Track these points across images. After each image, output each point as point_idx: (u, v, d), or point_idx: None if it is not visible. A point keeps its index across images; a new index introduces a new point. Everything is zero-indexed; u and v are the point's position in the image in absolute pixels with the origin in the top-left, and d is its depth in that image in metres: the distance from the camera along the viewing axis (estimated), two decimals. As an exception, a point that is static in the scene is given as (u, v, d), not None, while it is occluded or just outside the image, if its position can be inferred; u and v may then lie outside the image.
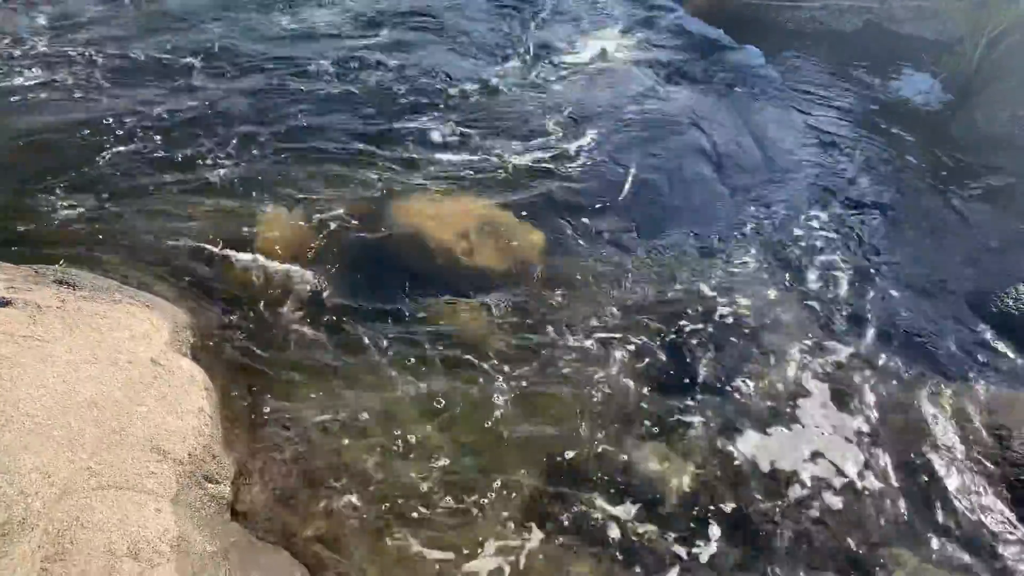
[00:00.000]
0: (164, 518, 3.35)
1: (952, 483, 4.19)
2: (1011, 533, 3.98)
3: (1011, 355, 4.99)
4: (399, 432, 4.20)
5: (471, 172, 6.30)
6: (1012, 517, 4.05)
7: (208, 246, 5.21)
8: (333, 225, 5.54)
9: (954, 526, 4.00)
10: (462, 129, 6.83)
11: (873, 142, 7.15)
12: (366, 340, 4.71)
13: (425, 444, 4.16)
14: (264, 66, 7.44)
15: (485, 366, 4.62)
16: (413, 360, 4.62)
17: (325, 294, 5.00)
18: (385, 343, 4.71)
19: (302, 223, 5.55)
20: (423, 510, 3.86)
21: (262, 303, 4.87)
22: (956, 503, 4.10)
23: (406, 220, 5.72)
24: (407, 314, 4.91)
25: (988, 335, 5.13)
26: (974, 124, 7.17)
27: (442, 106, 7.13)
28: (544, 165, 6.45)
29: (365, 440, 4.14)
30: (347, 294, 5.01)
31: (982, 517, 4.05)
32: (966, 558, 3.86)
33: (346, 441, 4.12)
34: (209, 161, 6.05)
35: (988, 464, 4.30)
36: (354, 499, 3.86)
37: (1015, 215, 6.14)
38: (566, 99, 7.43)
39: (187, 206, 5.56)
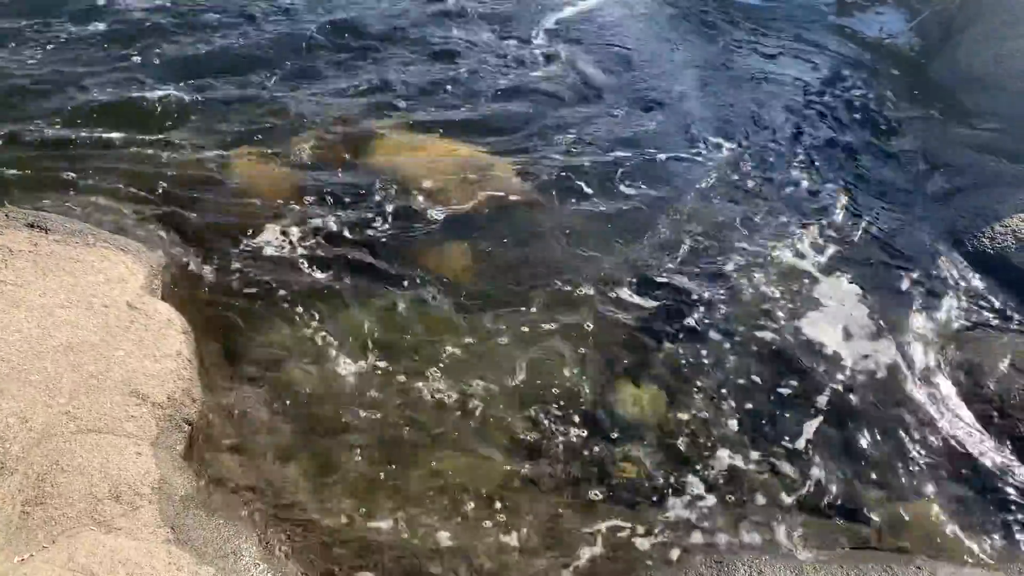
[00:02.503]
0: (144, 461, 3.35)
1: (922, 413, 4.27)
2: (982, 463, 4.08)
3: (984, 293, 5.04)
4: (373, 368, 4.20)
5: (451, 111, 6.23)
6: (984, 448, 4.15)
7: (181, 190, 5.13)
8: (309, 163, 5.48)
9: (921, 455, 4.09)
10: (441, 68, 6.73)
11: (850, 82, 7.11)
12: (345, 280, 4.69)
13: (403, 381, 4.17)
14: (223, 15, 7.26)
15: (467, 304, 4.62)
16: (391, 300, 4.60)
17: (301, 233, 4.95)
18: (362, 281, 4.68)
19: (278, 164, 5.48)
20: (401, 443, 3.89)
21: (239, 245, 4.81)
22: (926, 435, 4.18)
23: (387, 158, 5.66)
24: (386, 254, 4.88)
25: (964, 273, 5.17)
26: (956, 64, 7.14)
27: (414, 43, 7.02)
28: (527, 109, 6.39)
29: (341, 378, 4.15)
30: (324, 233, 4.97)
31: (954, 446, 4.14)
32: (930, 487, 3.96)
33: (323, 380, 4.12)
34: (177, 104, 5.92)
35: (959, 398, 4.38)
36: (330, 441, 3.88)
37: (994, 155, 6.15)
38: (553, 41, 7.32)
39: (159, 148, 5.47)
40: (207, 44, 6.65)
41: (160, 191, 5.09)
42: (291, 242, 4.88)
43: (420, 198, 5.30)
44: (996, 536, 3.79)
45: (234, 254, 4.75)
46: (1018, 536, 3.79)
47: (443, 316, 4.56)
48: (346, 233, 4.99)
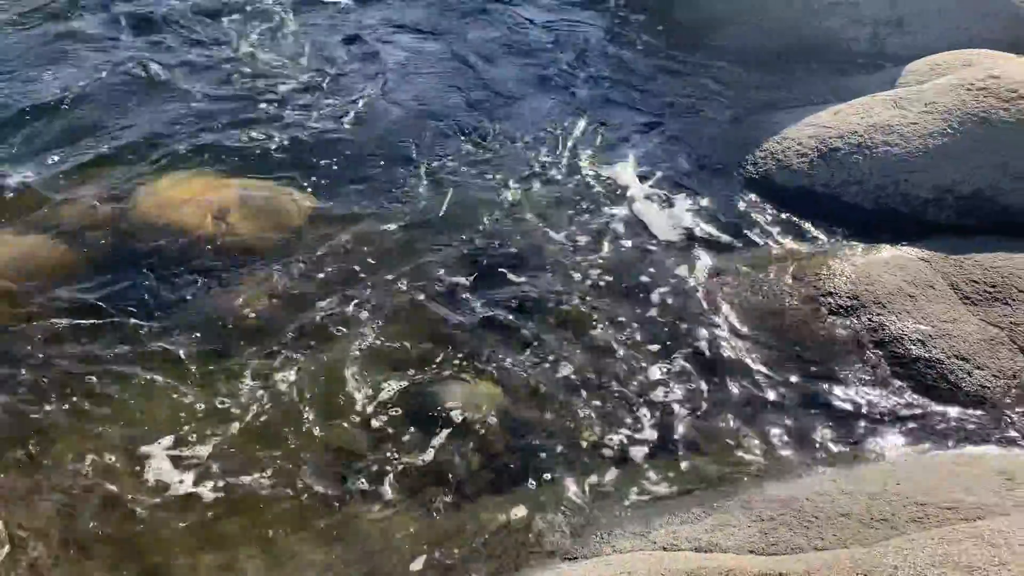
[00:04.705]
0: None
1: (721, 337, 4.54)
2: (776, 376, 4.38)
3: (756, 215, 5.40)
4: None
5: (224, 143, 5.96)
6: (774, 360, 4.45)
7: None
8: (68, 232, 5.09)
9: (728, 381, 4.35)
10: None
11: (601, 33, 7.39)
12: (123, 349, 4.40)
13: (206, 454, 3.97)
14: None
15: (272, 347, 4.46)
16: (193, 363, 4.36)
17: (66, 317, 4.58)
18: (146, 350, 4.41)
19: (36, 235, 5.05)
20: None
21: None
22: (725, 357, 4.45)
23: (155, 209, 5.33)
24: (166, 311, 4.62)
25: (738, 201, 5.52)
26: (692, 6, 7.55)
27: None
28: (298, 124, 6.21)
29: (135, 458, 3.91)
30: (96, 310, 4.63)
31: (749, 364, 4.43)
32: (746, 412, 4.22)
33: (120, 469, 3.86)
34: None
35: (750, 317, 4.69)
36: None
37: (742, 87, 6.59)
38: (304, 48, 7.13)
39: None
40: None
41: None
42: (55, 328, 4.52)
43: (198, 245, 5.05)
44: (821, 439, 4.09)
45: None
46: (831, 435, 4.11)
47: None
48: (120, 298, 4.69)
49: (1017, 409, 4.14)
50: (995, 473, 3.65)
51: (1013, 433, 4.04)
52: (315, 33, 7.39)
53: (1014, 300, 4.57)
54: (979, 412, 4.14)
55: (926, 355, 4.34)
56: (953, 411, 4.16)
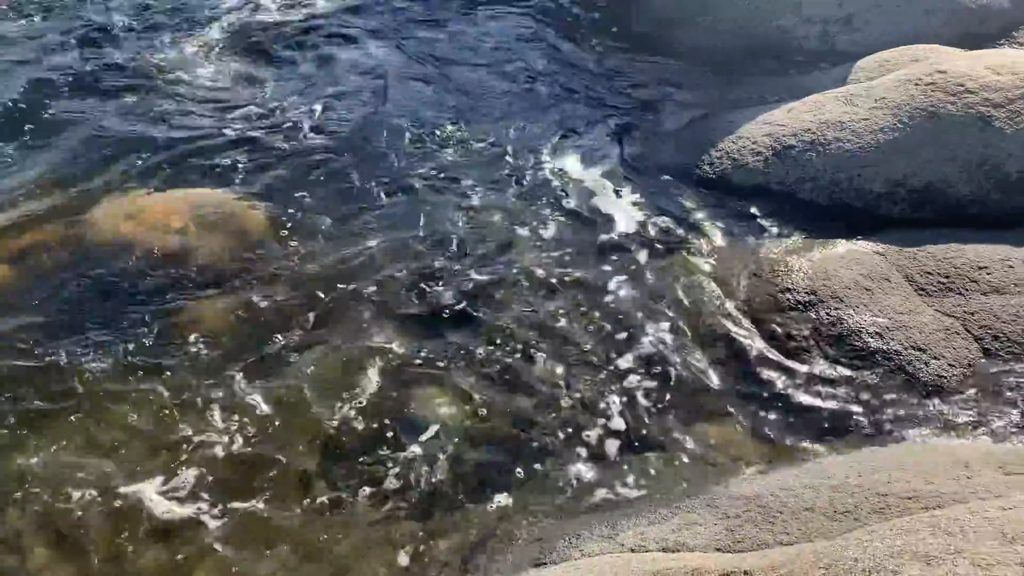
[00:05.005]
0: None
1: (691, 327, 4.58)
2: (750, 369, 4.43)
3: (714, 214, 5.46)
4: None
5: (182, 157, 5.89)
6: (749, 353, 4.50)
7: None
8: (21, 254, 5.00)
9: (697, 374, 4.39)
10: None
11: (560, 35, 7.41)
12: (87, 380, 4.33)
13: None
14: None
15: (236, 366, 4.41)
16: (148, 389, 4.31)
17: (16, 343, 4.50)
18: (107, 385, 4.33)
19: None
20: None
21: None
22: (694, 352, 4.49)
23: (111, 227, 5.25)
24: (124, 334, 4.55)
25: (696, 200, 5.57)
26: (646, 8, 7.60)
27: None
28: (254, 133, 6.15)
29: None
30: (49, 335, 4.54)
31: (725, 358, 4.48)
32: (721, 404, 4.26)
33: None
34: None
35: (720, 310, 4.74)
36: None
37: (693, 89, 6.65)
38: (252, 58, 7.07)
39: None
40: None
41: None
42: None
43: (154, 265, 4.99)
44: (783, 434, 4.14)
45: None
46: (793, 431, 4.16)
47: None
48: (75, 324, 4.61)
49: (973, 397, 4.22)
50: (953, 461, 3.71)
51: (970, 421, 4.12)
52: (274, 46, 7.32)
53: (967, 290, 4.66)
54: (937, 401, 4.21)
55: (884, 347, 4.41)
56: (912, 401, 4.23)
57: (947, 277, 4.73)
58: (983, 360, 4.38)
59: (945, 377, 4.30)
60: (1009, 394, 4.22)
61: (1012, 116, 5.18)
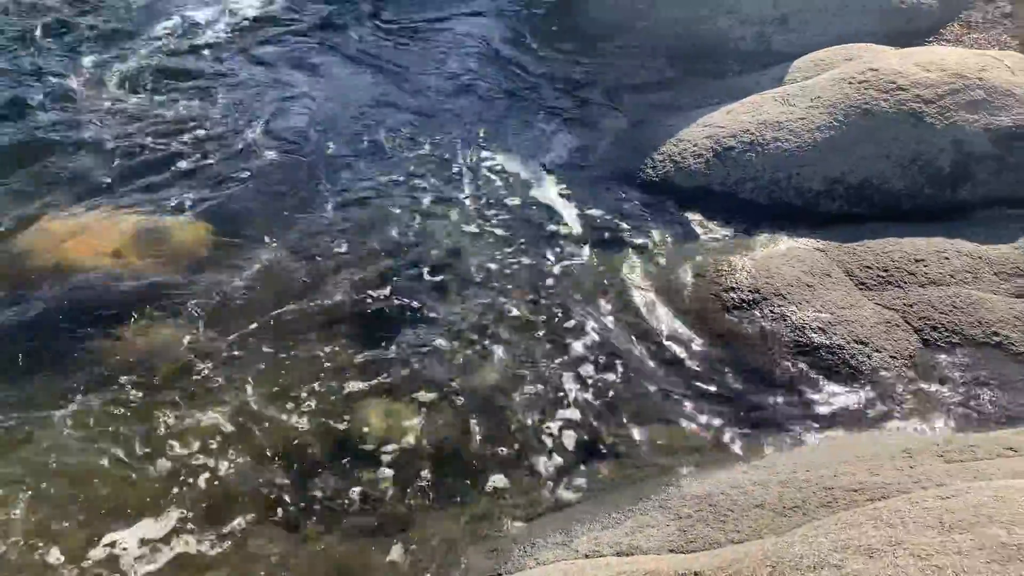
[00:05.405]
0: None
1: (637, 332, 4.62)
2: (694, 369, 4.47)
3: (658, 216, 5.51)
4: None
5: (118, 176, 5.76)
6: (695, 355, 4.55)
7: None
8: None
9: (647, 379, 4.42)
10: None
11: (504, 40, 7.43)
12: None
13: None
14: None
15: (180, 389, 4.33)
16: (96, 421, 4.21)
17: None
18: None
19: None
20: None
21: None
22: (636, 358, 4.52)
23: (46, 249, 5.11)
24: (60, 359, 4.44)
25: (640, 203, 5.62)
26: (586, 12, 7.66)
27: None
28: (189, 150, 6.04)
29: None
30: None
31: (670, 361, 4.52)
32: (668, 407, 4.29)
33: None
34: None
35: (668, 313, 4.78)
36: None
37: (636, 93, 6.71)
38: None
39: None
40: None
41: None
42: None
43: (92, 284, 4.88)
44: (732, 432, 4.18)
45: None
46: (741, 428, 4.21)
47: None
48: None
49: (915, 387, 4.32)
50: (898, 451, 3.79)
51: (912, 411, 4.21)
52: (211, 61, 7.22)
53: (905, 283, 4.77)
54: (880, 393, 4.30)
55: (827, 342, 4.49)
56: (856, 394, 4.31)
57: (886, 271, 4.83)
58: (923, 350, 4.48)
59: (887, 369, 4.39)
60: (948, 383, 4.32)
61: (942, 112, 5.32)
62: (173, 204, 5.53)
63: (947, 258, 4.84)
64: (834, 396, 4.30)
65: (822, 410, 4.25)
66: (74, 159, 5.93)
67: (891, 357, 4.43)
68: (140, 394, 4.28)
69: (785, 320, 4.59)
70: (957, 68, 5.48)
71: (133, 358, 4.46)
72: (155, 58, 7.14)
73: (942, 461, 3.59)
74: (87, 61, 7.05)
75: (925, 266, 4.81)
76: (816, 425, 4.19)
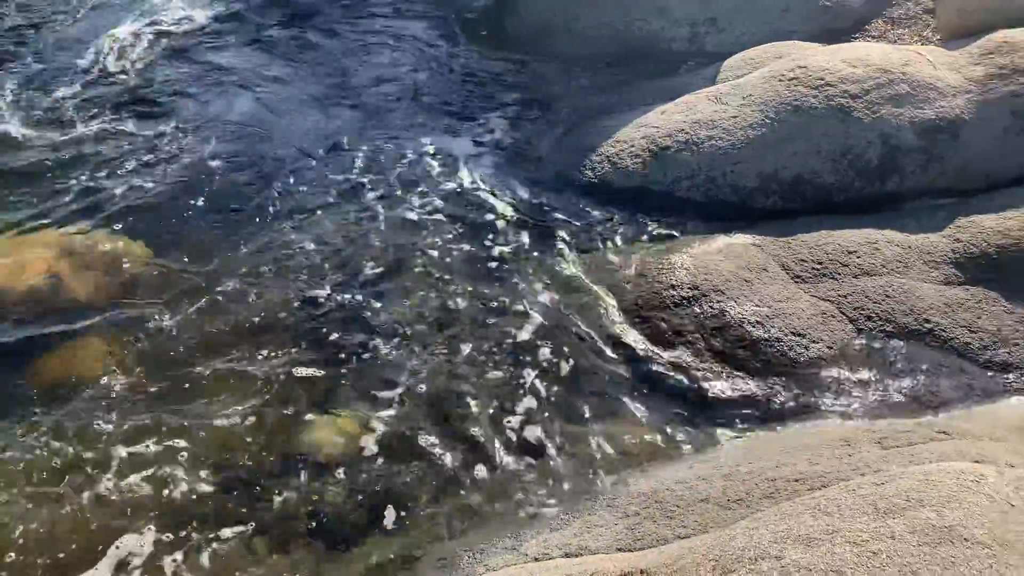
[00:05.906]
0: None
1: (585, 337, 4.64)
2: (644, 366, 4.51)
3: (598, 217, 5.54)
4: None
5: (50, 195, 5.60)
6: (643, 352, 4.59)
7: None
8: None
9: (600, 377, 4.45)
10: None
11: (444, 46, 7.42)
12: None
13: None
14: None
15: (119, 412, 4.22)
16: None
17: None
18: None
19: None
20: None
21: None
22: (595, 356, 4.55)
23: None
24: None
25: (580, 205, 5.65)
26: (519, 15, 7.69)
27: None
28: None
29: None
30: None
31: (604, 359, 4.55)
32: (623, 404, 4.32)
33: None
34: None
35: (617, 314, 4.81)
36: None
37: (572, 96, 6.75)
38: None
39: None
40: None
41: None
42: None
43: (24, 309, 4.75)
44: (676, 428, 4.22)
45: None
46: (685, 423, 4.26)
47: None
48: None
49: (852, 377, 4.42)
50: (837, 441, 3.88)
51: (851, 400, 4.30)
52: (144, 75, 7.06)
53: (839, 274, 4.88)
54: (819, 383, 4.39)
55: (765, 335, 4.57)
56: (795, 385, 4.39)
57: (820, 263, 4.93)
58: (857, 340, 4.58)
59: (825, 359, 4.48)
60: (883, 370, 4.43)
61: (869, 106, 5.45)
62: (105, 221, 5.40)
63: (878, 249, 4.96)
64: (774, 388, 4.38)
65: (763, 403, 4.32)
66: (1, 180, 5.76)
67: (828, 347, 4.53)
68: (72, 420, 4.16)
69: (725, 315, 4.66)
70: (882, 63, 5.62)
71: (63, 380, 4.34)
72: (85, 77, 6.95)
73: (879, 448, 3.68)
74: (10, 85, 6.84)
75: (858, 257, 4.92)
76: (758, 417, 4.26)
